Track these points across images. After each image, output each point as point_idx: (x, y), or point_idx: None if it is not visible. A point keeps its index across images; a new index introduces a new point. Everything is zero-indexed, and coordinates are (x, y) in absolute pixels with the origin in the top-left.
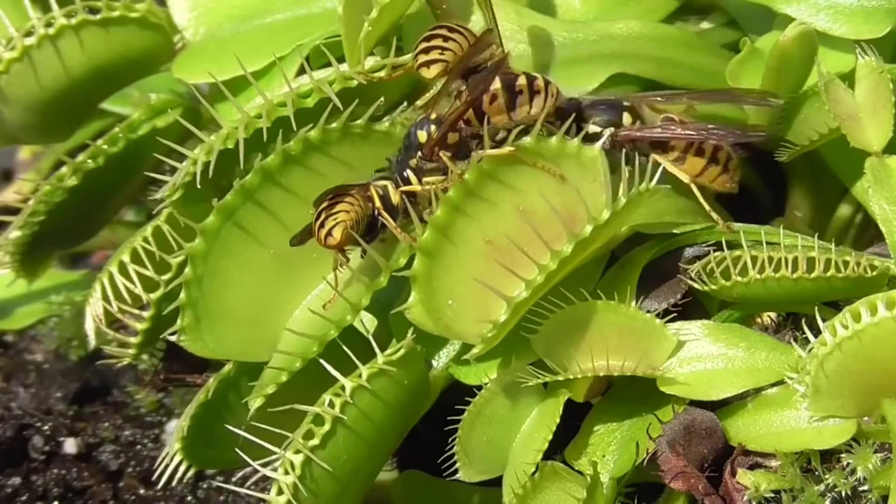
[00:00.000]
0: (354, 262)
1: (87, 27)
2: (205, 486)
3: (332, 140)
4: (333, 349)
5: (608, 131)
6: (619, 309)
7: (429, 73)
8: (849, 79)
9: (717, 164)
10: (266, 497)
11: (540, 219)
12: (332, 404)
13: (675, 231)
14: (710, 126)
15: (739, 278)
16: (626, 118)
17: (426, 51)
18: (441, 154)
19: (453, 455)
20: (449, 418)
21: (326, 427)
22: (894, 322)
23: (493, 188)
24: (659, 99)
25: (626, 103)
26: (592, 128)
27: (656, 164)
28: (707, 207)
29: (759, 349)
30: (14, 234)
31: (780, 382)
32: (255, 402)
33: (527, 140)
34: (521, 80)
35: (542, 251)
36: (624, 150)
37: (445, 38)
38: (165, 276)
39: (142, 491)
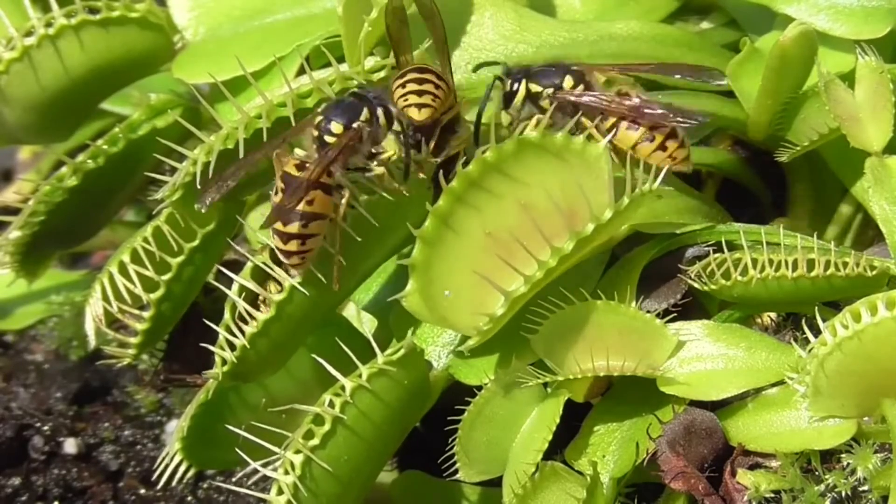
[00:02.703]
0: None
1: (87, 27)
2: (205, 486)
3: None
4: (333, 349)
5: (548, 91)
6: (619, 309)
7: (419, 115)
8: (849, 79)
9: (651, 141)
10: (266, 497)
11: (541, 213)
12: (332, 404)
13: (675, 231)
14: (648, 105)
15: (740, 278)
16: (568, 81)
17: (419, 94)
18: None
19: (453, 455)
20: (449, 418)
21: (326, 427)
22: (894, 322)
23: (496, 180)
24: (610, 69)
25: (573, 67)
26: (534, 87)
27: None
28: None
29: (759, 349)
30: (14, 234)
31: (780, 382)
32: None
33: (531, 134)
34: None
35: (542, 246)
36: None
37: (437, 86)
38: (165, 277)
39: (142, 491)
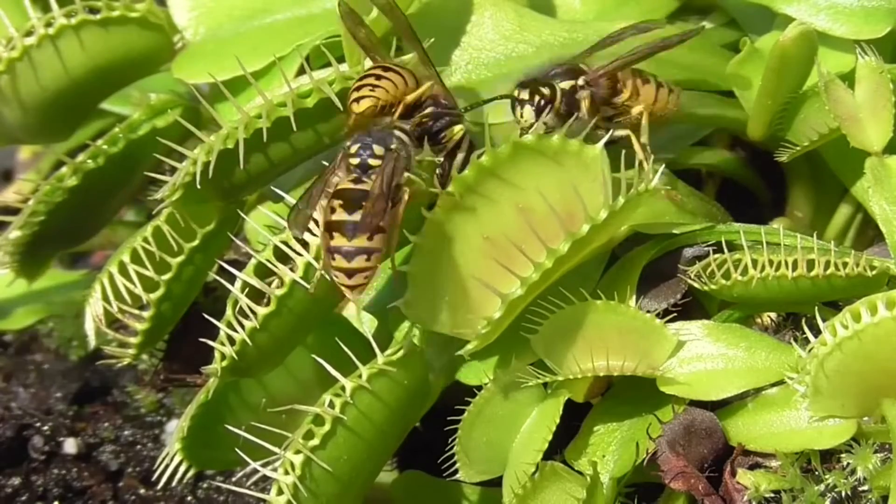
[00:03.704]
0: None
1: (87, 27)
2: (205, 486)
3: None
4: (333, 349)
5: (580, 85)
6: (619, 309)
7: (358, 107)
8: (849, 79)
9: (663, 86)
10: (266, 497)
11: (538, 217)
12: (332, 405)
13: (675, 231)
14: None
15: (740, 278)
16: (580, 78)
17: (358, 88)
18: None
19: (453, 455)
20: (449, 418)
21: (326, 427)
22: (894, 322)
23: (492, 185)
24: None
25: (574, 64)
26: (564, 85)
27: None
28: (638, 147)
29: (759, 349)
30: (14, 234)
31: (780, 382)
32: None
33: (528, 138)
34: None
35: (539, 249)
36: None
37: (378, 77)
38: (165, 277)
39: (142, 491)
